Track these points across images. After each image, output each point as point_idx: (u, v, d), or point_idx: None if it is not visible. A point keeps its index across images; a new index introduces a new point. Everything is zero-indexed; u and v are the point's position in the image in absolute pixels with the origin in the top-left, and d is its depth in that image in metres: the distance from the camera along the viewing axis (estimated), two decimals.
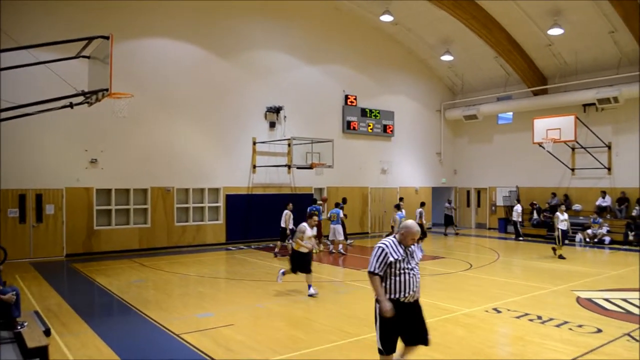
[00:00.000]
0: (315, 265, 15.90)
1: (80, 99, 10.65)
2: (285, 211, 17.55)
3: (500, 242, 22.02)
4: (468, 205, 28.66)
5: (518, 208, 22.82)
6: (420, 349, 7.52)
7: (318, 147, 20.09)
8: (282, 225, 17.52)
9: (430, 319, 9.16)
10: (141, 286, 12.47)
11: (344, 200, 20.33)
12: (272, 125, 21.24)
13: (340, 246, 18.12)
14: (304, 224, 11.77)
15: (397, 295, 5.70)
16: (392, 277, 5.66)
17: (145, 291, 11.95)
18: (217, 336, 8.19)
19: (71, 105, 10.55)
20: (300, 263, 11.33)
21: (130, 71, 17.61)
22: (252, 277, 13.61)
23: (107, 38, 10.10)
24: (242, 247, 19.68)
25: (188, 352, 7.48)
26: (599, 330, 8.46)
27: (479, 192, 28.24)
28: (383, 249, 5.66)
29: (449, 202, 25.14)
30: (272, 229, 20.95)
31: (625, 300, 10.75)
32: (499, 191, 26.80)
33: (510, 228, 24.08)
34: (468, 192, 28.66)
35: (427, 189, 27.43)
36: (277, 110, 21.23)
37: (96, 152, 17.43)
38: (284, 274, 11.86)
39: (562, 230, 16.89)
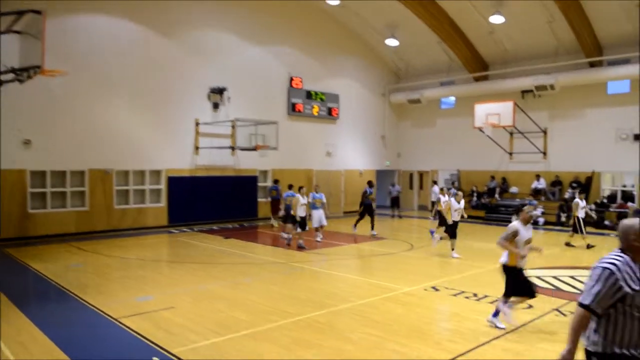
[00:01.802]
0: (260, 248, 15.92)
1: (11, 76, 10.12)
2: (297, 195, 15.45)
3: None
4: (411, 187, 29.21)
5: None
6: (357, 329, 7.67)
7: (262, 129, 19.92)
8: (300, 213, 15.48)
9: (371, 298, 9.40)
10: (79, 270, 12.09)
11: (370, 184, 19.77)
12: (216, 106, 20.87)
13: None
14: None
15: (626, 350, 3.52)
16: (622, 320, 3.52)
17: (83, 276, 11.59)
18: (157, 319, 8.08)
19: (0, 83, 10.02)
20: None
21: (64, 48, 16.82)
22: (194, 259, 13.44)
23: (39, 13, 9.63)
24: (185, 229, 19.37)
25: (127, 335, 7.35)
26: (530, 306, 8.83)
27: (421, 174, 28.81)
28: (612, 272, 3.52)
29: (393, 185, 25.45)
30: (216, 211, 20.86)
31: (555, 277, 11.28)
32: (441, 174, 27.42)
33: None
34: (411, 175, 29.18)
35: (371, 172, 27.74)
36: (220, 91, 20.84)
37: (30, 132, 16.62)
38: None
39: (582, 219, 15.81)
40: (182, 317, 8.19)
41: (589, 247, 15.39)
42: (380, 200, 29.05)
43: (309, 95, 24.28)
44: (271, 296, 9.63)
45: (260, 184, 22.58)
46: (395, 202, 25.04)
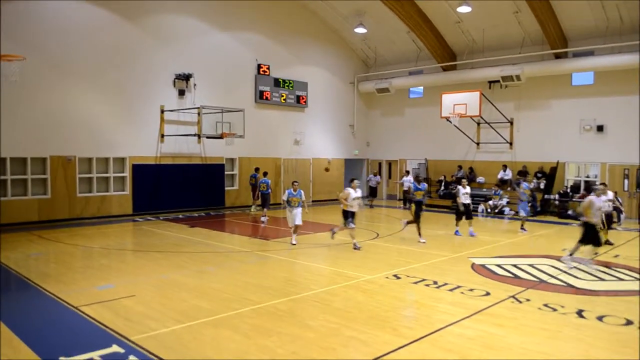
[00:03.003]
0: (226, 236, 15.83)
1: None
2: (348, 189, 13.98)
3: (409, 212, 22.71)
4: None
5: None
6: (317, 317, 7.74)
7: (229, 117, 19.74)
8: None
9: (333, 286, 9.46)
10: (40, 259, 11.88)
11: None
12: (182, 93, 20.58)
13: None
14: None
15: None
16: None
17: (44, 265, 11.41)
18: (117, 307, 8.03)
19: None
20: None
21: (23, 33, 16.37)
22: (158, 248, 13.30)
23: None
24: (150, 218, 19.14)
25: (86, 323, 7.29)
26: (488, 294, 9.02)
27: (390, 164, 28.99)
28: None
29: (375, 175, 25.40)
30: (182, 200, 20.66)
31: (515, 265, 11.51)
32: (409, 163, 27.64)
33: None
34: (380, 164, 29.35)
35: (339, 161, 27.82)
36: (186, 77, 20.55)
37: None
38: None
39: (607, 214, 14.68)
40: (142, 305, 8.13)
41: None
42: None
43: (277, 82, 24.13)
44: (234, 284, 9.61)
45: (227, 172, 22.42)
46: (373, 192, 25.04)
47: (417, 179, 17.08)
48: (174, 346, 6.45)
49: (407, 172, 24.92)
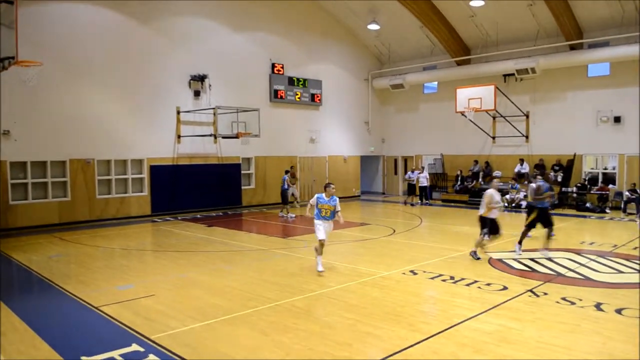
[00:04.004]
0: (243, 235, 15.95)
1: None
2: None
3: (425, 208, 22.74)
4: (395, 173, 29.34)
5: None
6: (333, 313, 7.79)
7: (244, 116, 19.87)
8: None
9: (349, 283, 9.50)
10: (61, 261, 12.09)
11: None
12: (197, 94, 20.76)
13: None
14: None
15: None
16: None
17: (65, 266, 11.60)
18: (136, 307, 8.14)
19: None
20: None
21: (39, 38, 16.63)
22: (176, 248, 13.46)
23: (11, 3, 9.50)
24: (168, 218, 19.36)
25: (106, 323, 7.41)
26: (505, 288, 8.99)
27: (405, 160, 28.92)
28: None
29: (412, 172, 24.37)
30: (199, 200, 20.86)
31: (532, 259, 11.44)
32: (424, 159, 27.55)
33: (436, 195, 25.06)
34: (395, 161, 29.29)
35: (355, 158, 27.83)
36: (201, 78, 20.73)
37: (8, 123, 16.46)
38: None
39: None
40: (161, 305, 8.24)
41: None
42: (365, 186, 29.27)
43: (291, 81, 24.21)
44: (251, 282, 9.70)
45: (243, 172, 22.58)
46: (412, 190, 24.03)
47: (542, 176, 12.88)
48: (192, 344, 6.55)
49: (423, 168, 24.75)
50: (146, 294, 8.86)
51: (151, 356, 6.12)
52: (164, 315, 7.68)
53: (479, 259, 11.42)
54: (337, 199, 10.58)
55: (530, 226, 12.13)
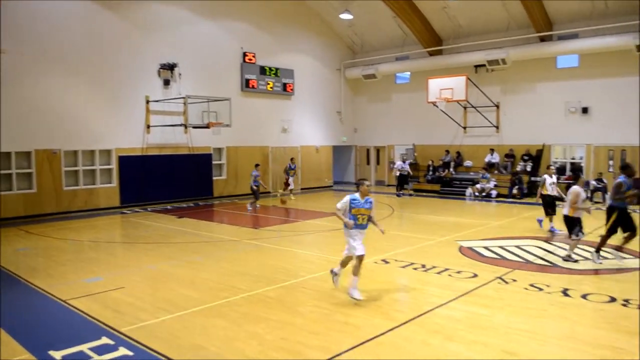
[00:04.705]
0: (215, 226, 15.82)
1: None
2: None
3: (398, 198, 22.87)
4: (368, 163, 29.45)
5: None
6: (306, 303, 7.80)
7: (215, 106, 19.63)
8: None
9: (322, 272, 9.51)
10: (28, 254, 11.81)
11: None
12: (167, 83, 20.41)
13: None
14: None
15: None
16: None
17: (32, 259, 11.34)
18: (106, 299, 8.03)
19: None
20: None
21: (4, 26, 16.15)
22: (146, 240, 13.29)
23: None
24: (138, 210, 19.06)
25: (74, 317, 7.29)
26: (475, 275, 9.13)
27: (378, 150, 29.04)
28: None
29: (404, 162, 23.85)
30: (170, 191, 20.60)
31: (502, 247, 11.63)
32: (397, 149, 27.70)
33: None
34: (368, 150, 29.38)
35: (328, 148, 27.82)
36: (171, 67, 20.36)
37: None
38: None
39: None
40: (132, 297, 8.14)
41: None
42: (337, 176, 29.32)
43: (262, 70, 23.99)
44: (223, 273, 9.64)
45: (215, 162, 22.36)
46: (403, 180, 23.51)
47: (626, 170, 10.28)
48: (164, 336, 6.47)
49: (403, 158, 24.61)
50: (116, 287, 8.73)
51: (121, 349, 6.04)
52: (135, 308, 7.58)
53: (576, 261, 10.15)
54: (373, 200, 8.16)
55: (611, 231, 10.07)
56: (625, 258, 10.29)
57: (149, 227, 15.29)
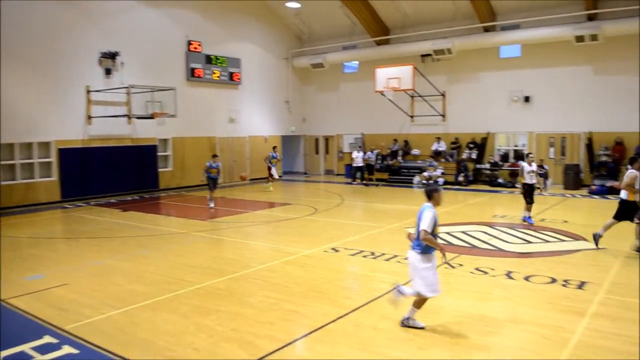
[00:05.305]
0: (162, 219, 15.48)
1: None
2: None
3: (347, 187, 23.06)
4: (317, 152, 29.47)
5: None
6: (256, 293, 7.75)
7: (160, 96, 19.13)
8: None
9: (271, 262, 9.46)
10: None
11: None
12: (108, 72, 19.70)
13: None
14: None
15: None
16: None
17: None
18: (48, 297, 7.74)
19: None
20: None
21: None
22: (90, 234, 12.84)
23: None
24: (80, 204, 18.39)
25: (14, 316, 6.99)
26: None
27: (327, 139, 29.10)
28: None
29: (372, 151, 24.32)
30: (114, 184, 19.99)
31: (449, 233, 11.89)
32: (345, 138, 27.85)
33: (357, 173, 25.44)
34: (317, 140, 29.40)
35: (276, 138, 27.63)
36: (112, 55, 19.64)
37: None
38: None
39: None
40: (75, 294, 7.87)
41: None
42: (286, 166, 29.22)
43: (208, 59, 23.52)
44: (171, 267, 9.45)
45: (160, 154, 21.81)
46: (370, 170, 24.07)
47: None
48: (110, 332, 6.30)
49: (360, 147, 24.67)
50: (58, 284, 8.41)
51: (66, 347, 5.84)
52: (79, 304, 7.34)
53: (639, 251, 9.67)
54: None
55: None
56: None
57: (92, 222, 14.79)
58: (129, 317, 6.80)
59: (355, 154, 23.78)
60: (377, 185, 23.30)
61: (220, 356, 5.60)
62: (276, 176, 21.99)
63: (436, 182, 22.20)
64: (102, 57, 19.49)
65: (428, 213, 6.08)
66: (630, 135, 19.59)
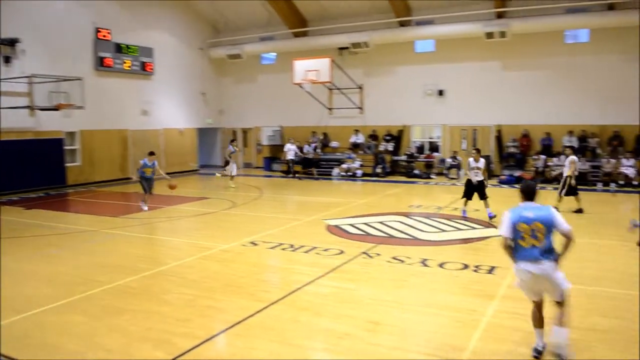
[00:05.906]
0: (71, 217, 14.66)
1: None
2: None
3: (266, 180, 22.92)
4: None
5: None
6: (171, 290, 7.51)
7: (67, 86, 18.03)
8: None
9: (187, 258, 9.22)
10: None
11: None
12: (7, 60, 18.24)
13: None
14: None
15: None
16: None
17: None
18: None
19: None
20: None
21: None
22: None
23: None
24: None
25: None
26: (341, 252, 9.38)
27: (245, 132, 28.75)
28: None
29: (310, 145, 24.11)
30: (15, 180, 18.65)
31: (366, 224, 12.07)
32: (264, 131, 27.63)
33: (276, 166, 25.39)
34: (234, 132, 28.96)
35: (192, 130, 26.95)
36: (12, 42, 18.23)
37: None
38: None
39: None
40: None
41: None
42: (203, 159, 28.61)
43: (119, 48, 22.44)
44: (80, 266, 8.95)
45: (67, 147, 20.61)
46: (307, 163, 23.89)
47: None
48: (14, 338, 5.87)
49: (291, 141, 24.24)
50: None
51: None
52: None
53: None
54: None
55: None
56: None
57: None
58: (34, 321, 6.38)
59: (288, 147, 23.59)
60: (317, 179, 23.26)
61: (134, 357, 5.36)
62: (234, 173, 19.99)
63: (354, 174, 22.59)
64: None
65: (556, 213, 5.21)
66: (535, 127, 20.88)
